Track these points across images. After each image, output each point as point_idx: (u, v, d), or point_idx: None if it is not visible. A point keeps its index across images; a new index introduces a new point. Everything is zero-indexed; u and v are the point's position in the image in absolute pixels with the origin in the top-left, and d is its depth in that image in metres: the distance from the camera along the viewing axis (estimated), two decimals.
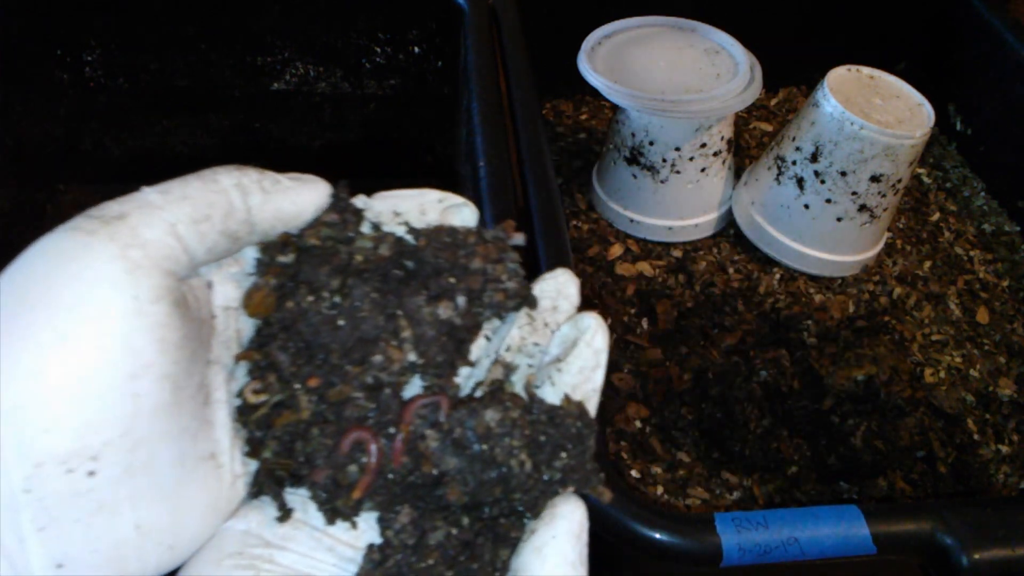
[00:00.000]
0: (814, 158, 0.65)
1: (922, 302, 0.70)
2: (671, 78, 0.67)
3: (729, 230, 0.75)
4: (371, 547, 0.28)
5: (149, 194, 0.26)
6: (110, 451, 0.23)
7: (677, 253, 0.73)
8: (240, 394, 0.29)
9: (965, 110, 0.84)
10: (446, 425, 0.28)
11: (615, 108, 0.71)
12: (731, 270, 0.71)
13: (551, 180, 0.58)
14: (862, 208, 0.66)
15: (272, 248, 0.30)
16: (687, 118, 0.66)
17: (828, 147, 0.64)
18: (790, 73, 0.90)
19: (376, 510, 0.29)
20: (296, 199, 0.29)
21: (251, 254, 0.30)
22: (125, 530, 0.24)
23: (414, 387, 0.30)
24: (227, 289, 0.29)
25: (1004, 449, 0.60)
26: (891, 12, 0.87)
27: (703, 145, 0.68)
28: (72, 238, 0.24)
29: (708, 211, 0.73)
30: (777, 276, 0.71)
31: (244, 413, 0.29)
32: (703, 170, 0.70)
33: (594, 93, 0.70)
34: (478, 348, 0.32)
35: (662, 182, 0.70)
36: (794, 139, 0.67)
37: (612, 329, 0.65)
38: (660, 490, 0.57)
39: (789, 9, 0.86)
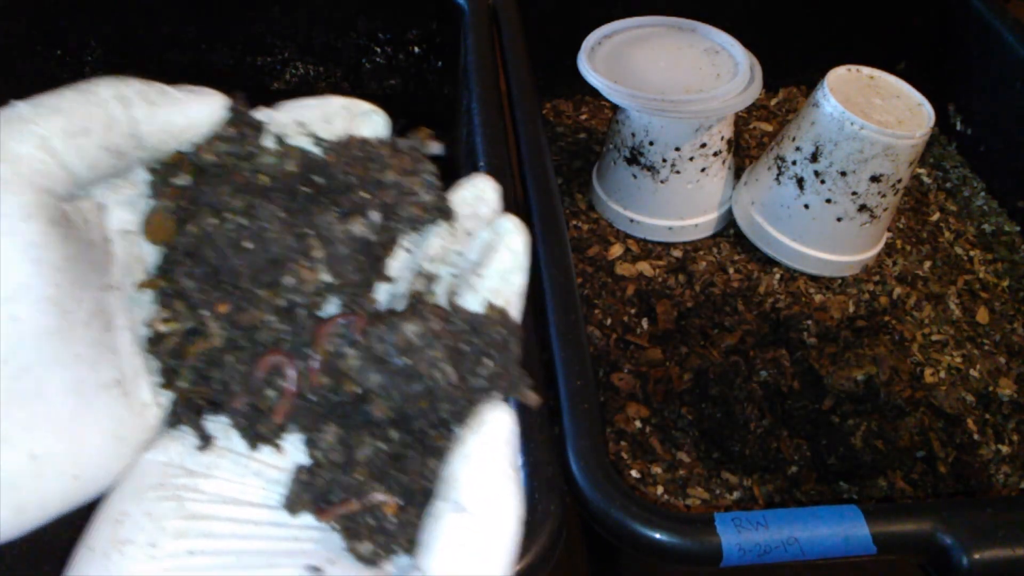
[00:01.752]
0: (814, 158, 0.65)
1: (922, 302, 0.70)
2: (671, 78, 0.67)
3: (729, 230, 0.75)
4: (299, 468, 0.28)
5: (19, 107, 0.24)
6: None
7: (677, 253, 0.73)
8: (149, 323, 0.28)
9: (965, 110, 0.84)
10: (365, 342, 0.27)
11: (615, 108, 0.71)
12: (731, 270, 0.71)
13: (551, 180, 0.58)
14: (862, 208, 0.66)
15: (165, 168, 0.28)
16: (687, 118, 0.66)
17: (828, 147, 0.64)
18: (790, 73, 0.90)
19: (302, 432, 0.28)
20: (187, 111, 0.27)
21: (145, 176, 0.28)
22: (19, 459, 0.24)
23: (332, 308, 0.29)
24: (123, 213, 0.28)
25: (1004, 449, 0.60)
26: (891, 12, 0.87)
27: (703, 145, 0.68)
28: None
29: (708, 211, 0.73)
30: (777, 276, 0.71)
31: (154, 343, 0.28)
32: (703, 170, 0.70)
33: (594, 93, 0.70)
34: (398, 262, 0.31)
35: (662, 182, 0.70)
36: (794, 139, 0.67)
37: (612, 329, 0.65)
38: (660, 490, 0.57)
39: (789, 9, 0.86)
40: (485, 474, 0.25)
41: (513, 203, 0.54)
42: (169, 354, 0.28)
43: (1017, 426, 0.62)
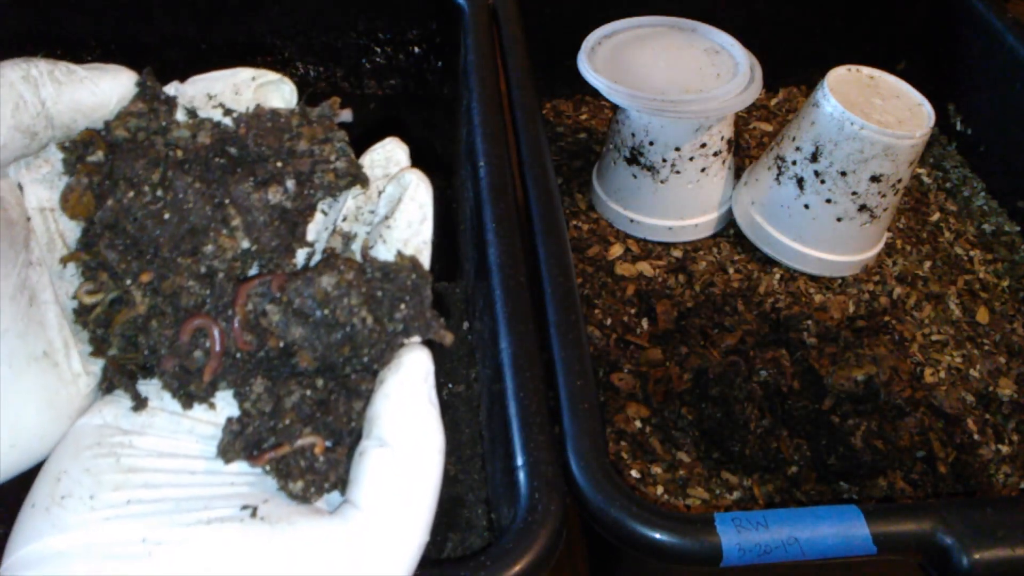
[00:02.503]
0: (814, 158, 0.65)
1: (922, 302, 0.70)
2: (671, 78, 0.67)
3: (729, 230, 0.75)
4: (229, 419, 0.29)
5: None
6: None
7: (677, 253, 0.73)
8: (75, 296, 0.29)
9: (965, 110, 0.84)
10: (284, 298, 0.29)
11: (615, 108, 0.71)
12: (731, 270, 0.71)
13: (551, 180, 0.57)
14: (862, 208, 0.66)
15: (77, 145, 0.29)
16: (687, 118, 0.66)
17: (828, 147, 0.64)
18: (790, 73, 0.90)
19: (231, 387, 0.29)
20: (95, 89, 0.28)
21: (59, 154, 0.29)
22: None
23: (253, 272, 0.31)
24: (39, 191, 0.29)
25: (1004, 449, 0.60)
26: (891, 12, 0.87)
27: (703, 145, 0.68)
28: None
29: (708, 211, 0.73)
30: (777, 276, 0.71)
31: (81, 314, 0.29)
32: (703, 170, 0.70)
33: (594, 93, 0.70)
34: (315, 227, 0.32)
35: (662, 182, 0.70)
36: (794, 139, 0.67)
37: (612, 329, 0.65)
38: (660, 490, 0.57)
39: (789, 9, 0.86)
40: (404, 410, 0.27)
41: (513, 202, 0.54)
42: (97, 323, 0.29)
43: (1017, 426, 0.62)
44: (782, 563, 0.40)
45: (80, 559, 0.24)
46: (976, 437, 0.61)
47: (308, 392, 0.29)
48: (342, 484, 0.29)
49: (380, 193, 0.33)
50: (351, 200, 0.33)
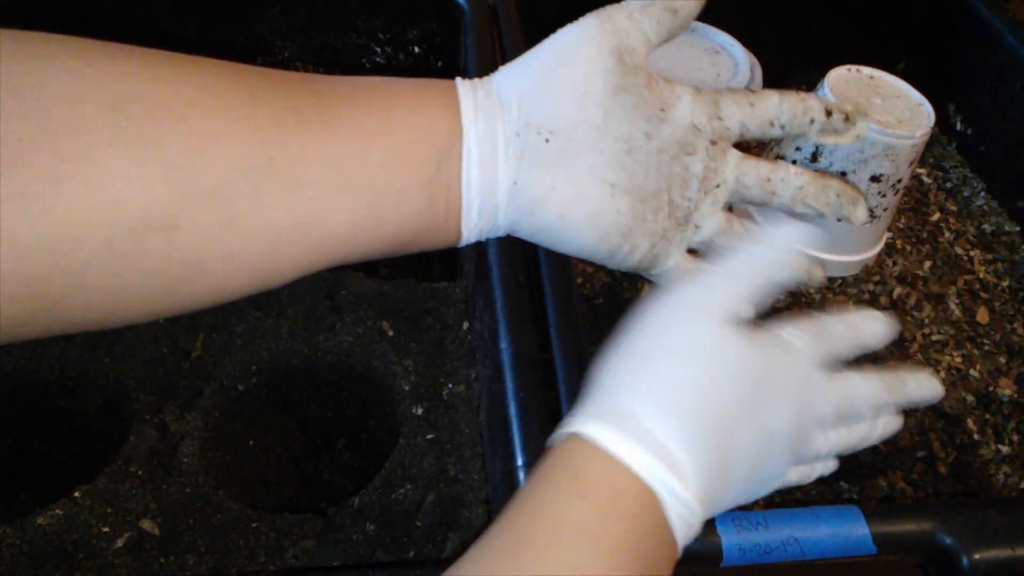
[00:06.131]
0: (814, 158, 0.65)
1: (922, 302, 0.70)
2: (671, 78, 0.67)
3: None
4: None
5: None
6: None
7: None
8: None
9: (965, 110, 0.84)
10: None
11: None
12: None
13: None
14: None
15: None
16: None
17: (828, 147, 0.64)
18: (790, 73, 0.90)
19: None
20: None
21: None
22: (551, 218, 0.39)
23: None
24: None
25: (1004, 449, 0.60)
26: (891, 12, 0.86)
27: None
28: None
29: None
30: None
31: None
32: None
33: None
34: None
35: None
36: (794, 139, 0.67)
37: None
38: None
39: (789, 9, 0.86)
40: None
41: None
42: None
43: (1017, 426, 0.62)
44: (782, 563, 0.40)
45: None
46: (976, 437, 0.61)
47: None
48: None
49: None
50: None
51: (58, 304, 0.29)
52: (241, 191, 0.31)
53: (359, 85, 0.37)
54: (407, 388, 0.60)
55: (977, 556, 0.40)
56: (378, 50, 0.80)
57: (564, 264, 0.52)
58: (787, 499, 0.56)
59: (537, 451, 0.42)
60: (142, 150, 0.29)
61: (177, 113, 0.30)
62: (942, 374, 0.65)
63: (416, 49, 0.80)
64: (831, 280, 0.71)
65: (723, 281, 0.36)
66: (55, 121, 0.28)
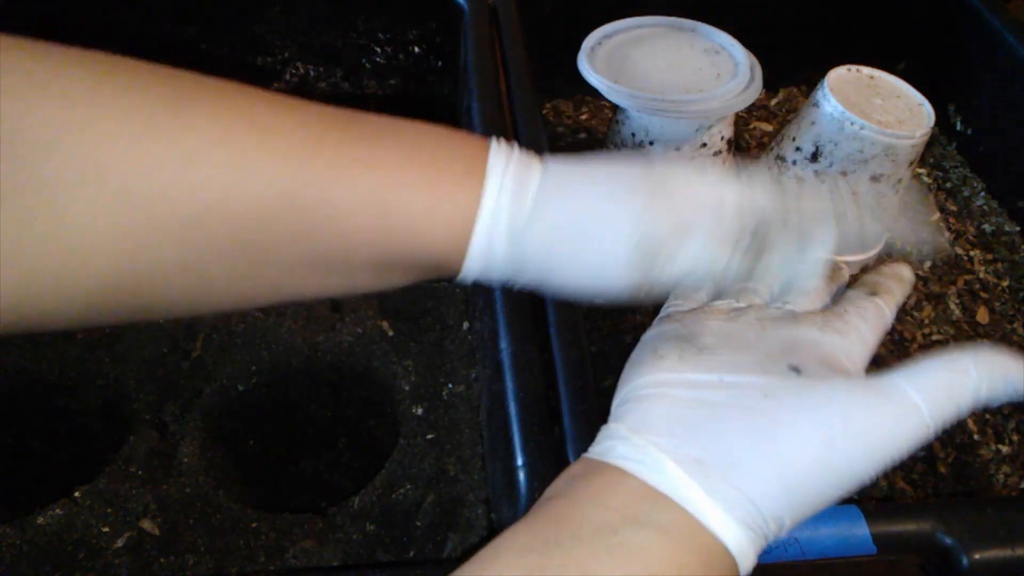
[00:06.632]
0: (814, 158, 0.65)
1: (922, 302, 0.70)
2: (671, 78, 0.67)
3: None
4: None
5: None
6: None
7: None
8: None
9: (965, 110, 0.84)
10: None
11: (615, 108, 0.71)
12: None
13: None
14: None
15: None
16: (687, 118, 0.66)
17: (828, 147, 0.64)
18: (790, 73, 0.90)
19: None
20: None
21: None
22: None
23: None
24: None
25: (1004, 449, 0.60)
26: (891, 12, 0.86)
27: (703, 145, 0.68)
28: None
29: None
30: None
31: None
32: None
33: (594, 93, 0.70)
34: None
35: None
36: (794, 139, 0.67)
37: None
38: None
39: (789, 9, 0.86)
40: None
41: None
42: None
43: (1017, 426, 0.62)
44: (782, 563, 0.40)
45: (679, 385, 0.34)
46: (976, 437, 0.61)
47: None
48: None
49: None
50: None
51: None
52: None
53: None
54: (407, 388, 0.60)
55: (977, 556, 0.40)
56: (378, 50, 0.80)
57: None
58: None
59: (537, 451, 0.42)
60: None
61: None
62: None
63: (416, 49, 0.80)
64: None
65: None
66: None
